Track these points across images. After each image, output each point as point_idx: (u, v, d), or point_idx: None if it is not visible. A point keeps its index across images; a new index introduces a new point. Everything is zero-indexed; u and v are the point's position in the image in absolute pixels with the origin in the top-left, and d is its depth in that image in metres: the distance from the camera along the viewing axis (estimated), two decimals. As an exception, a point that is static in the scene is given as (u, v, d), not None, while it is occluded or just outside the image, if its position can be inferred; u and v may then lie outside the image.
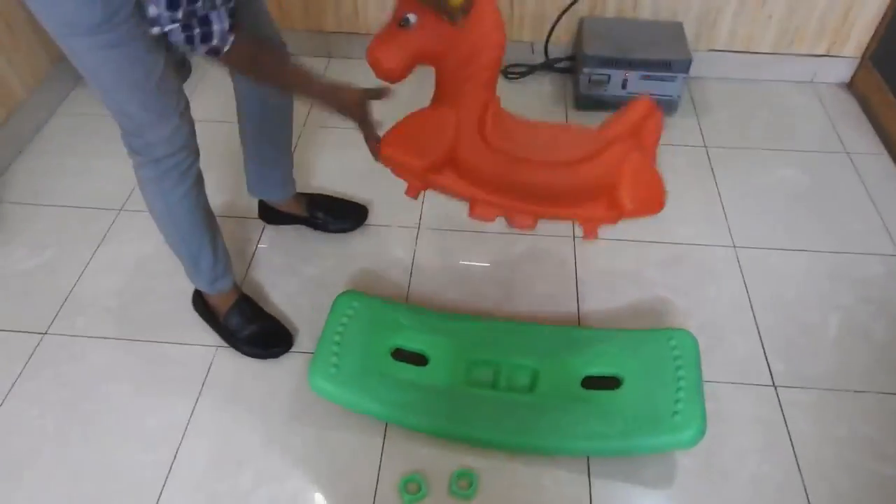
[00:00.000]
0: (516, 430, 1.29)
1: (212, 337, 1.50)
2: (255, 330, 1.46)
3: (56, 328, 1.52)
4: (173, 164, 1.21)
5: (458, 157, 1.35)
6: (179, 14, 0.96)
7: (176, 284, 1.60)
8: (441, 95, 1.31)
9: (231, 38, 1.05)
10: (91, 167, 1.91)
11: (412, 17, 1.15)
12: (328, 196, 1.74)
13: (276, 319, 1.49)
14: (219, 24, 1.01)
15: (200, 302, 1.50)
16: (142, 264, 1.66)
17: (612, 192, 1.39)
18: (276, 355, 1.46)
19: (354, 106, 1.25)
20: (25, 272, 1.64)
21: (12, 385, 1.42)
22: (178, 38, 0.99)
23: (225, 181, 1.84)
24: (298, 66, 1.21)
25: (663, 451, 1.29)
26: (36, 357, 1.47)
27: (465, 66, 1.24)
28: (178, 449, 1.32)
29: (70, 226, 1.75)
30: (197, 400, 1.40)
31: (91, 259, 1.67)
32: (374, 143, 1.31)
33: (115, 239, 1.72)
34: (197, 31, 0.99)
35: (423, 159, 1.34)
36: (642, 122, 1.39)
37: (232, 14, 1.03)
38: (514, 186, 1.39)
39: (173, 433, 1.34)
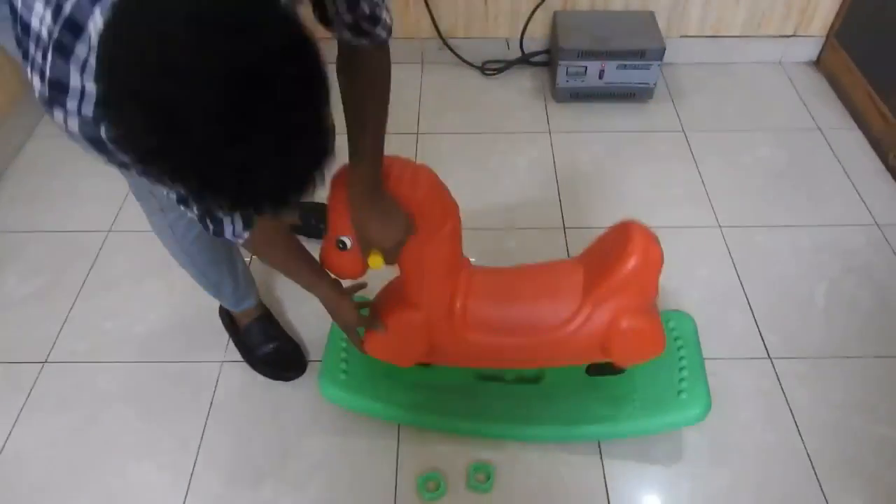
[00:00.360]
0: (528, 421, 1.32)
1: (216, 353, 1.50)
2: (271, 349, 1.46)
3: (56, 355, 1.51)
4: (182, 212, 1.17)
5: (437, 346, 1.25)
6: (193, 211, 0.91)
7: (173, 302, 1.60)
8: (406, 287, 1.20)
9: (245, 235, 0.97)
10: (76, 189, 1.88)
11: (347, 241, 1.05)
12: (322, 203, 1.74)
13: (293, 341, 1.50)
14: (230, 227, 0.94)
15: (226, 313, 1.52)
16: (136, 284, 1.65)
17: (606, 352, 1.21)
18: (288, 379, 1.46)
19: (350, 323, 1.20)
20: (19, 301, 1.62)
21: (17, 417, 1.40)
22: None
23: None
24: (312, 264, 1.13)
25: (672, 430, 1.33)
26: (38, 386, 1.45)
27: (418, 265, 1.13)
28: (193, 466, 1.32)
29: (60, 251, 1.72)
30: (207, 416, 1.40)
31: (84, 283, 1.65)
32: (359, 346, 1.26)
33: (106, 261, 1.70)
34: (210, 224, 0.93)
35: (404, 361, 1.30)
36: (638, 269, 1.14)
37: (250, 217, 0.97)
38: (501, 355, 1.28)
39: (187, 452, 1.34)
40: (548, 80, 2.22)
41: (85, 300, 1.62)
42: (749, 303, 1.58)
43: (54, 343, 1.53)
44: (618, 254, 1.14)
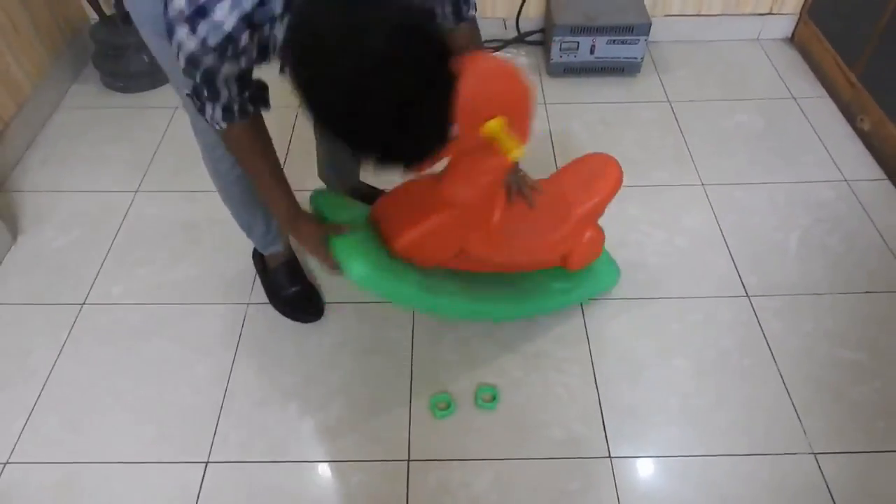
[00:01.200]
0: (513, 300, 1.49)
1: (242, 296, 1.63)
2: (292, 293, 1.59)
3: (93, 297, 1.63)
4: (225, 153, 1.28)
5: (463, 252, 1.31)
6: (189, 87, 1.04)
7: (199, 253, 1.73)
8: (452, 179, 1.21)
9: (223, 125, 1.08)
10: (102, 154, 2.01)
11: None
12: (372, 187, 1.80)
13: (314, 287, 1.63)
14: (211, 111, 1.06)
15: (258, 255, 1.65)
16: (164, 237, 1.77)
17: (565, 259, 1.47)
18: (306, 321, 1.58)
19: (312, 239, 1.24)
20: (57, 250, 1.74)
21: (60, 351, 1.53)
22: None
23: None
24: (276, 170, 1.22)
25: (604, 291, 1.61)
26: (78, 325, 1.58)
27: (480, 164, 1.17)
28: (226, 389, 1.45)
29: (92, 208, 1.85)
30: (237, 349, 1.53)
31: (117, 235, 1.78)
32: (329, 263, 1.25)
33: (135, 217, 1.83)
34: (198, 102, 1.05)
35: (427, 262, 1.31)
36: (606, 195, 1.42)
37: (238, 107, 1.07)
38: (501, 265, 1.44)
39: (219, 378, 1.47)
40: (542, 57, 2.37)
41: (117, 251, 1.74)
42: (729, 248, 1.73)
43: (91, 287, 1.66)
44: (602, 182, 1.39)
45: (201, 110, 1.06)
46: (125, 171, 1.96)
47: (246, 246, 1.73)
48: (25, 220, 1.82)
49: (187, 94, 1.06)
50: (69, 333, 1.56)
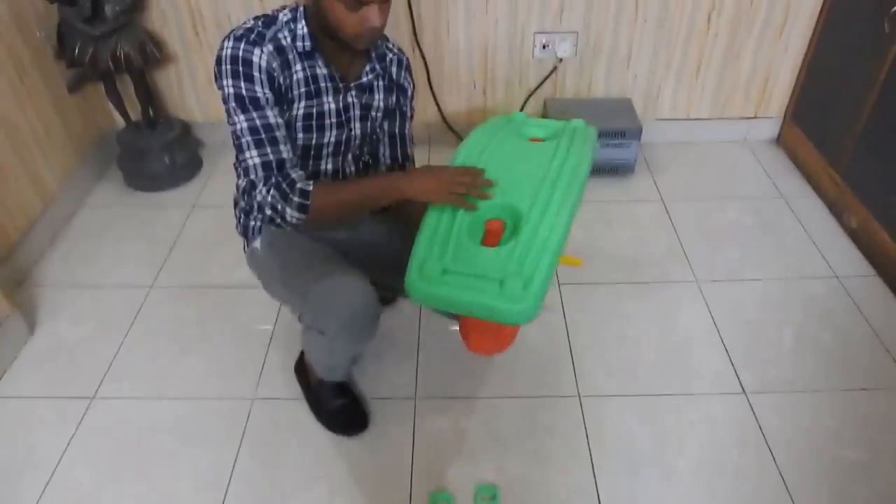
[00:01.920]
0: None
1: (248, 391, 1.67)
2: (338, 405, 1.58)
3: (103, 392, 1.68)
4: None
5: None
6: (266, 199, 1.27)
7: (209, 348, 1.78)
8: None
9: (301, 215, 1.27)
10: (121, 250, 2.11)
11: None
12: None
13: (359, 399, 1.61)
14: (293, 209, 1.26)
15: (301, 368, 1.66)
16: (176, 332, 1.83)
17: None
18: (350, 435, 1.56)
19: (443, 172, 1.29)
20: (70, 344, 1.80)
21: (66, 446, 1.55)
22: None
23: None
24: (370, 185, 1.32)
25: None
26: (87, 419, 1.61)
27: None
28: (227, 486, 1.47)
29: (107, 303, 1.93)
30: (240, 445, 1.55)
31: (129, 330, 1.84)
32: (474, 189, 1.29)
33: (149, 312, 1.90)
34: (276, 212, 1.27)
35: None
36: None
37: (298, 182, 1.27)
38: None
39: (222, 474, 1.49)
40: (541, 157, 2.50)
41: (129, 345, 1.80)
42: (724, 344, 1.76)
43: (101, 381, 1.70)
44: None
45: (281, 215, 1.24)
46: (142, 267, 2.05)
47: (254, 342, 1.79)
48: (43, 314, 1.89)
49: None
50: (77, 428, 1.59)
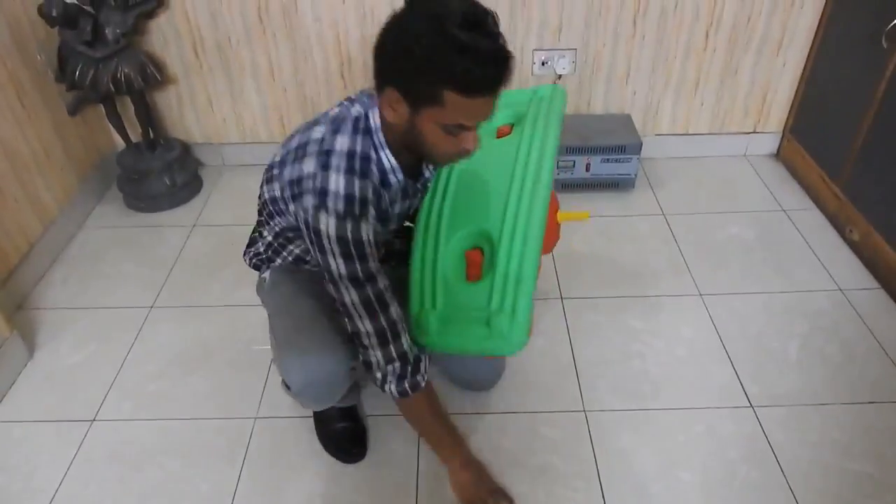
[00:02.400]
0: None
1: (250, 410, 1.65)
2: (340, 428, 1.56)
3: (104, 414, 1.66)
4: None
5: None
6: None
7: (210, 367, 1.77)
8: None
9: (399, 396, 1.27)
10: (121, 271, 2.10)
11: None
12: None
13: (363, 425, 1.60)
14: (391, 384, 1.25)
15: None
16: (176, 353, 1.82)
17: None
18: (346, 461, 1.54)
19: (483, 485, 1.37)
20: (70, 367, 1.78)
21: (67, 470, 1.53)
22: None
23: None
24: (452, 433, 1.39)
25: None
26: (87, 442, 1.59)
27: None
28: (230, 509, 1.45)
29: (107, 324, 1.91)
30: (242, 467, 1.53)
31: (129, 351, 1.83)
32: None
33: (149, 332, 1.89)
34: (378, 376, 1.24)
35: None
36: None
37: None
38: None
39: (224, 497, 1.47)
40: (541, 174, 2.50)
41: (129, 366, 1.78)
42: (730, 358, 1.75)
43: (101, 403, 1.68)
44: None
45: (378, 383, 1.24)
46: (142, 287, 2.04)
47: (255, 361, 1.78)
48: (43, 337, 1.87)
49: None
50: (77, 451, 1.57)
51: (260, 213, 1.35)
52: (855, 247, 2.06)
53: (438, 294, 1.28)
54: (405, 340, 1.22)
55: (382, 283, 1.16)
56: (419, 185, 1.32)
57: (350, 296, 1.14)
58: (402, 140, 1.12)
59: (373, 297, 1.15)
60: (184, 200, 2.41)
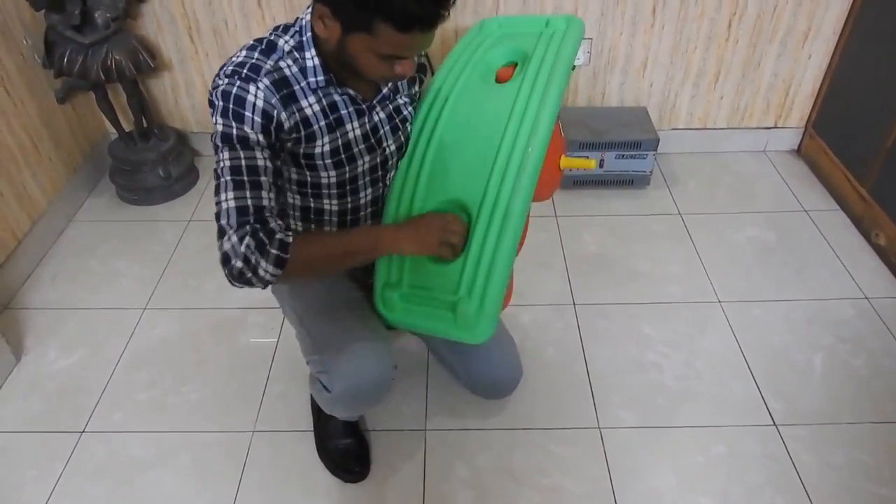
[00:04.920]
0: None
1: (247, 423, 1.57)
2: (343, 445, 1.48)
3: (93, 425, 1.58)
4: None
5: None
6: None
7: (206, 375, 1.69)
8: None
9: (286, 256, 1.07)
10: (113, 269, 2.01)
11: None
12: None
13: (366, 442, 1.52)
14: (265, 266, 1.06)
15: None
16: (171, 359, 1.73)
17: None
18: (348, 480, 1.46)
19: (437, 228, 1.18)
20: (58, 373, 1.70)
21: (55, 483, 1.45)
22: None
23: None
24: (351, 232, 1.25)
25: None
26: (76, 455, 1.51)
27: None
28: (226, 531, 1.37)
29: (98, 326, 1.82)
30: (239, 482, 1.45)
31: (121, 356, 1.74)
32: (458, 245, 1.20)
33: (142, 336, 1.80)
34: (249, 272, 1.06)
35: None
36: None
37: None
38: None
39: (220, 517, 1.40)
40: (551, 168, 2.40)
41: (120, 373, 1.70)
42: (751, 371, 1.67)
43: (91, 413, 1.60)
44: None
45: (253, 269, 1.03)
46: (135, 287, 1.94)
47: (254, 368, 1.69)
48: (31, 340, 1.79)
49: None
50: (66, 465, 1.49)
51: None
52: (882, 252, 1.97)
53: (406, 270, 1.23)
54: (273, 223, 1.07)
55: (262, 162, 1.06)
56: (376, 105, 1.20)
57: (221, 159, 1.06)
58: (334, 55, 1.09)
59: (244, 166, 1.05)
60: (179, 193, 2.31)
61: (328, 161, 1.17)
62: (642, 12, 2.14)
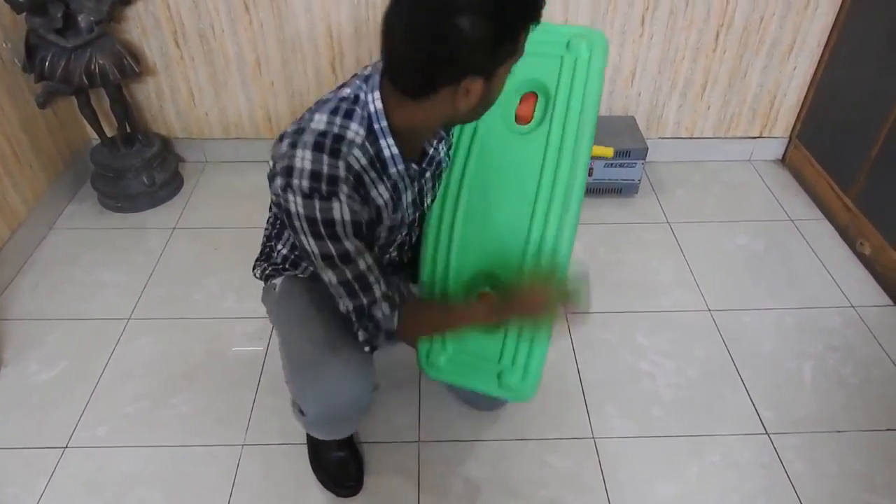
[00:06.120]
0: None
1: (237, 436, 1.54)
2: (336, 458, 1.45)
3: (77, 440, 1.53)
4: None
5: None
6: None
7: (194, 387, 1.65)
8: None
9: (395, 320, 1.10)
10: (96, 278, 1.96)
11: None
12: None
13: (360, 455, 1.49)
14: (383, 331, 1.11)
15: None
16: (157, 370, 1.69)
17: None
18: (340, 494, 1.43)
19: (541, 306, 1.08)
20: (40, 387, 1.65)
21: (38, 501, 1.41)
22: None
23: (233, 283, 1.92)
24: (455, 308, 1.20)
25: None
26: (59, 471, 1.47)
27: None
28: (217, 549, 1.34)
29: (81, 338, 1.77)
30: (230, 498, 1.42)
31: (105, 368, 1.69)
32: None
33: (127, 347, 1.75)
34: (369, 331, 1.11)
35: None
36: None
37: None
38: None
39: (210, 534, 1.36)
40: (540, 177, 2.40)
41: (105, 385, 1.65)
42: (743, 381, 1.68)
43: (75, 428, 1.55)
44: None
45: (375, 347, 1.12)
46: (118, 296, 1.90)
47: (243, 380, 1.66)
48: (10, 352, 1.73)
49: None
50: (48, 482, 1.44)
51: (273, 224, 1.26)
52: (866, 261, 2.00)
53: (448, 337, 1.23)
54: (377, 312, 1.09)
55: (364, 263, 1.04)
56: (425, 166, 1.18)
57: (328, 276, 1.05)
58: (457, 119, 1.07)
59: (351, 278, 1.04)
60: (163, 200, 2.27)
61: (384, 234, 1.15)
62: (632, 22, 2.15)
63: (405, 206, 1.17)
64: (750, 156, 2.48)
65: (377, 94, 1.01)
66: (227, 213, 2.21)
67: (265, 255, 1.32)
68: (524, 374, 1.17)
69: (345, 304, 1.08)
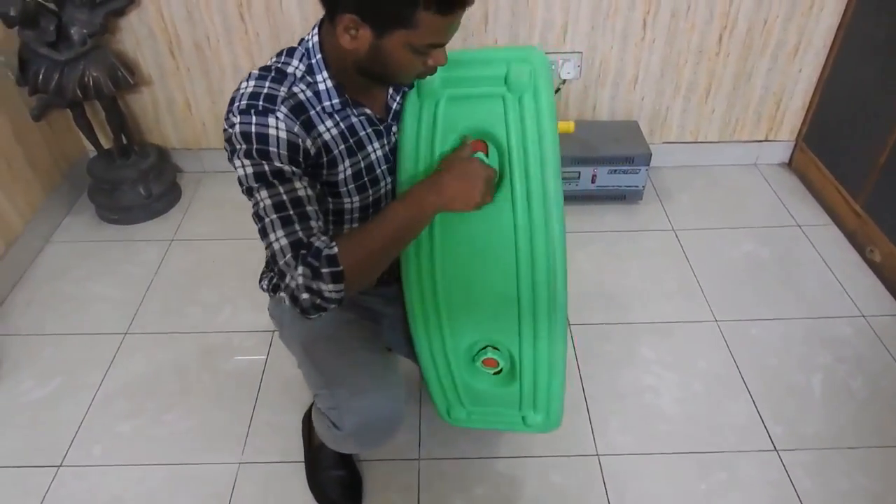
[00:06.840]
0: None
1: (233, 455, 1.51)
2: (335, 476, 1.43)
3: (71, 459, 1.51)
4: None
5: None
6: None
7: (189, 405, 1.62)
8: None
9: (335, 255, 0.98)
10: (91, 293, 1.94)
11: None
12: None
13: (359, 475, 1.47)
14: (321, 283, 0.98)
15: (308, 423, 1.51)
16: (153, 387, 1.67)
17: None
18: None
19: (479, 179, 1.05)
20: (34, 404, 1.63)
21: (30, 524, 1.39)
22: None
23: (231, 296, 1.90)
24: (393, 214, 1.06)
25: None
26: (53, 492, 1.45)
27: None
28: (212, 573, 1.31)
29: (76, 353, 1.75)
30: (225, 520, 1.39)
31: (100, 385, 1.67)
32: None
33: (122, 363, 1.73)
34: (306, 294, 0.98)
35: None
36: None
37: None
38: None
39: (205, 557, 1.33)
40: (542, 183, 2.36)
41: (100, 403, 1.63)
42: (751, 395, 1.63)
43: (69, 446, 1.53)
44: None
45: (320, 295, 0.96)
46: (114, 311, 1.87)
47: (240, 396, 1.64)
48: (4, 368, 1.71)
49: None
50: (41, 502, 1.42)
51: None
52: (876, 268, 1.95)
53: (463, 396, 1.29)
54: (316, 241, 0.99)
55: (303, 189, 1.00)
56: (391, 121, 1.14)
57: (261, 199, 0.99)
58: (358, 66, 1.03)
59: (286, 199, 0.99)
60: (161, 211, 2.25)
61: (351, 186, 1.11)
62: (633, 26, 2.11)
63: (375, 159, 1.13)
64: (756, 160, 2.44)
65: (315, 31, 1.06)
66: (225, 225, 2.18)
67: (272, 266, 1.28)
68: (547, 414, 1.25)
69: (278, 240, 0.98)
